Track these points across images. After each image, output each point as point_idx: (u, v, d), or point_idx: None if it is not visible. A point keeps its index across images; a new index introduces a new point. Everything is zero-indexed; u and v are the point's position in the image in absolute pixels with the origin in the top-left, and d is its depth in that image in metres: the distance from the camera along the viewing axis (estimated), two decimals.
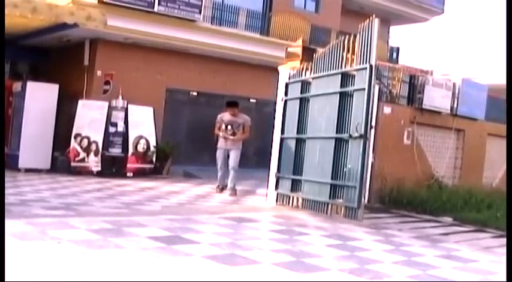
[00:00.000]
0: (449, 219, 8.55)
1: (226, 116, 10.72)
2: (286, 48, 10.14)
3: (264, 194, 9.72)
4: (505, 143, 10.07)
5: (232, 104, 10.87)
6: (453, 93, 11.37)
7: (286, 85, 9.32)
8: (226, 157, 10.65)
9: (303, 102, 8.87)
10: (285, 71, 9.47)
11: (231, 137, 10.50)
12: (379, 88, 9.62)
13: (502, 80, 14.68)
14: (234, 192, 10.54)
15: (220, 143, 10.66)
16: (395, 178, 9.80)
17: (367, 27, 7.56)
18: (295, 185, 8.76)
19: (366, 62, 7.47)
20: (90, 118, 13.25)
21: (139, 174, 13.34)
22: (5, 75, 14.59)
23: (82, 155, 13.10)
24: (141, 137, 13.64)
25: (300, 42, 10.13)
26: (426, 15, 24.58)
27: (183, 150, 15.14)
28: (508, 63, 7.03)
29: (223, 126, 10.60)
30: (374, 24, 7.44)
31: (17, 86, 13.81)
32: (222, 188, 10.80)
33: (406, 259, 5.33)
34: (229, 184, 10.59)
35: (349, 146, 7.58)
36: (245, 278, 4.20)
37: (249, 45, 16.04)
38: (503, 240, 6.83)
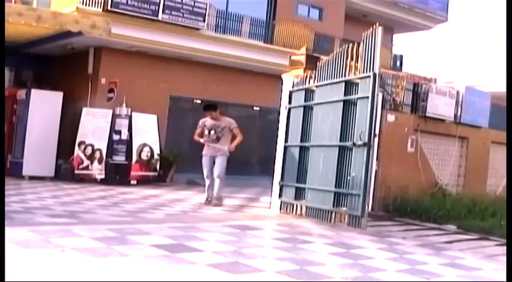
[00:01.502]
0: (453, 227, 8.52)
1: (208, 120, 10.03)
2: (290, 56, 10.13)
3: (268, 202, 9.71)
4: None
5: (209, 107, 10.13)
6: (457, 101, 11.35)
7: (290, 93, 9.34)
8: (213, 164, 9.87)
9: (307, 110, 8.88)
10: (289, 79, 9.49)
11: (216, 145, 9.80)
12: (383, 96, 9.62)
13: (505, 88, 14.60)
14: (220, 202, 9.81)
15: (206, 150, 9.94)
16: (399, 186, 9.78)
17: (370, 35, 7.57)
18: (299, 193, 8.75)
19: (369, 70, 7.49)
20: (94, 126, 13.29)
21: (143, 182, 13.35)
22: (4, 83, 14.62)
23: (86, 162, 13.12)
24: (144, 145, 13.66)
25: (303, 50, 10.14)
26: (430, 23, 24.58)
27: (187, 158, 15.12)
28: (508, 70, 7.02)
29: (206, 132, 9.93)
30: (377, 32, 7.45)
31: (21, 93, 13.85)
32: (211, 200, 9.92)
33: (410, 267, 5.31)
34: (215, 193, 9.80)
35: (353, 154, 7.58)
36: None
37: (253, 53, 16.08)
38: None
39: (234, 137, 10.02)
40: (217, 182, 9.78)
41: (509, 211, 6.07)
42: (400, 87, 10.61)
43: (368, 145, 7.29)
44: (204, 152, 10.00)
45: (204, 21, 15.06)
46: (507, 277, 4.23)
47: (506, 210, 6.46)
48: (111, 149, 13.30)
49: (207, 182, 9.95)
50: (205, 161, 9.95)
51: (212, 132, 9.87)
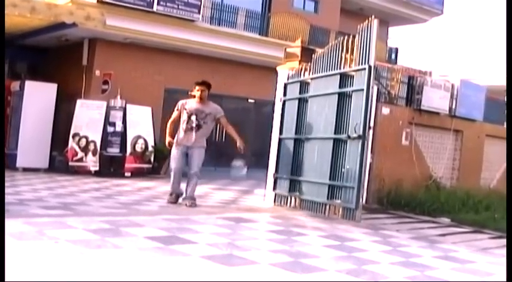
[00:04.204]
0: (447, 220, 8.55)
1: (190, 103, 8.53)
2: (285, 49, 10.11)
3: (262, 195, 9.72)
4: (503, 144, 10.09)
5: (203, 84, 8.59)
6: (452, 94, 11.37)
7: (285, 85, 9.32)
8: (185, 156, 8.40)
9: (302, 102, 8.87)
10: (284, 72, 9.47)
11: (194, 133, 8.28)
12: (378, 89, 9.63)
13: (500, 81, 14.65)
14: (193, 202, 8.25)
15: (181, 139, 8.33)
16: (394, 179, 9.80)
17: (366, 27, 7.56)
18: (293, 186, 8.75)
19: (364, 63, 7.48)
20: (88, 118, 13.26)
21: (137, 174, 13.34)
22: (4, 81, 14.58)
23: (80, 154, 13.10)
24: (139, 137, 13.63)
25: (298, 42, 10.12)
26: (425, 16, 24.60)
27: None
28: (508, 64, 7.04)
29: (186, 117, 8.36)
30: (373, 25, 7.44)
31: (15, 85, 13.81)
32: (177, 196, 8.49)
33: (404, 260, 5.32)
34: (189, 192, 8.33)
35: (348, 147, 7.58)
36: (242, 279, 4.19)
37: (248, 46, 16.06)
38: (501, 242, 6.84)
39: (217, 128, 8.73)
40: (193, 179, 8.34)
41: (509, 208, 6.08)
42: (395, 80, 10.61)
43: (363, 138, 7.30)
44: (177, 141, 8.40)
45: (199, 13, 15.02)
46: (507, 277, 4.23)
47: (507, 206, 6.46)
48: (105, 141, 13.27)
49: (174, 177, 8.40)
50: (176, 152, 8.39)
51: (193, 117, 8.33)
